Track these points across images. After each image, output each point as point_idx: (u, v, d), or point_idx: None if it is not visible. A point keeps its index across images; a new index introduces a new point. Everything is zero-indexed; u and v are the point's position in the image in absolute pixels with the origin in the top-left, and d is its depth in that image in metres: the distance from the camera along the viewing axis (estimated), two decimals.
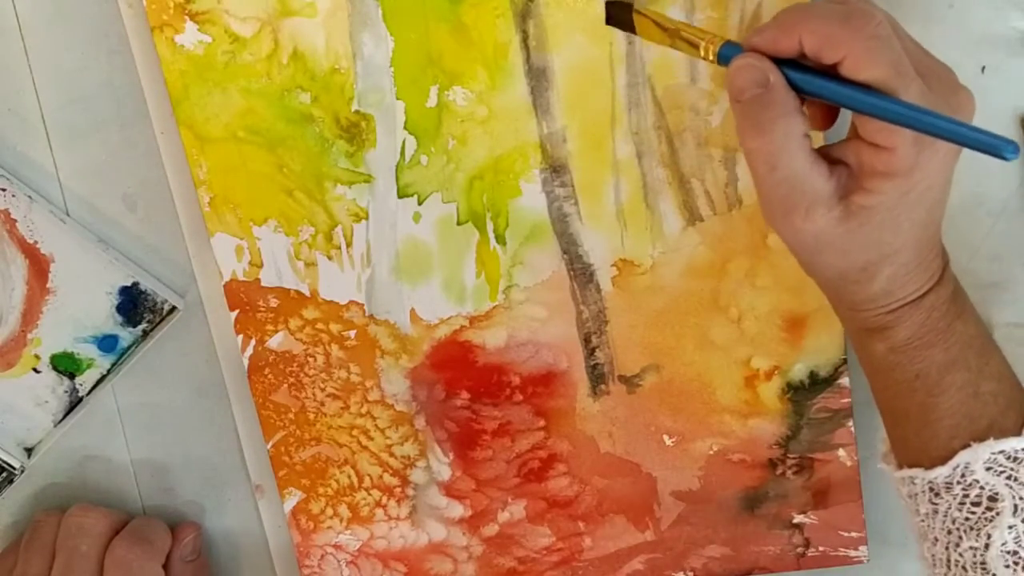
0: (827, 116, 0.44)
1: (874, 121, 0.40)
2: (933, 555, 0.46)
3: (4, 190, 0.51)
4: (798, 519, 0.57)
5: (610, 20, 0.50)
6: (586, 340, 0.54)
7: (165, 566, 0.54)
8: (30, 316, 0.53)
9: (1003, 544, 0.44)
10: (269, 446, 0.56)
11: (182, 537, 0.55)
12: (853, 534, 0.56)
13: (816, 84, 0.41)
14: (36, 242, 0.52)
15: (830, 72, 0.41)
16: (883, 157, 0.40)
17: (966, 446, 0.44)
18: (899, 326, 0.44)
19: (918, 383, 0.45)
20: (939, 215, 0.44)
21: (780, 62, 0.42)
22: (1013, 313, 0.55)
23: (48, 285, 0.53)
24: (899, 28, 0.42)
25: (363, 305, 0.54)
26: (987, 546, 0.44)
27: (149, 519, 0.55)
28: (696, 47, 0.45)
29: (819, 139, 0.46)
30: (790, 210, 0.42)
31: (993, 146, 0.38)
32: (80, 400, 0.54)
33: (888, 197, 0.41)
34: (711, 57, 0.44)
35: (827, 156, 0.42)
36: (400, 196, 0.52)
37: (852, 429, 0.55)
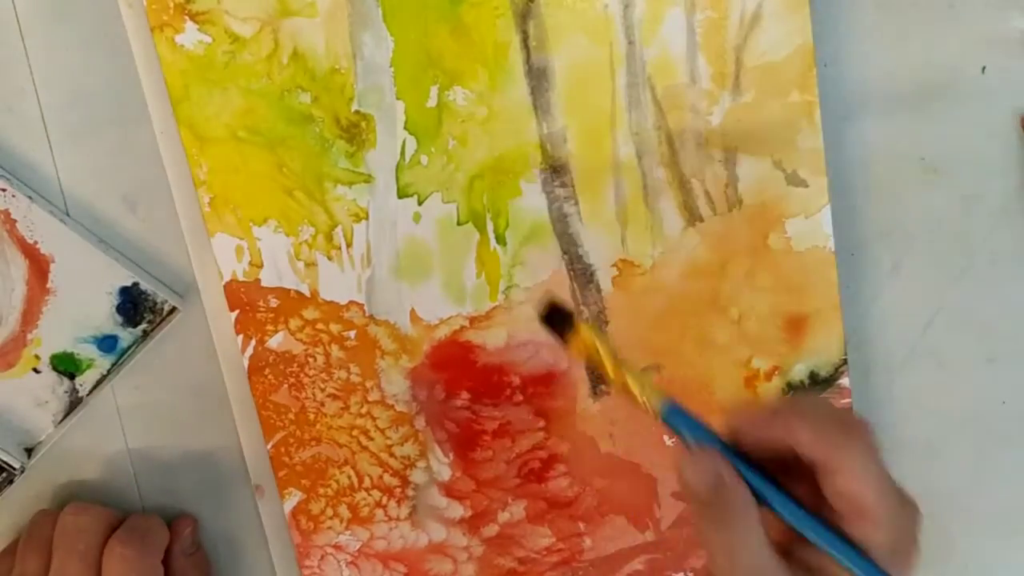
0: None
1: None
2: None
3: (4, 190, 0.51)
4: None
5: (546, 318, 0.44)
6: None
7: (165, 561, 0.54)
8: (30, 316, 0.53)
9: None
10: (269, 446, 0.56)
11: (180, 531, 0.55)
12: None
13: (769, 493, 0.40)
14: (36, 242, 0.52)
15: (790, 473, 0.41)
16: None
17: None
18: None
19: None
20: None
21: (732, 450, 0.41)
22: (1012, 314, 0.55)
23: (48, 285, 0.53)
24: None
25: (363, 305, 0.54)
26: None
27: (146, 515, 0.55)
28: (634, 393, 0.42)
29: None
30: None
31: None
32: (80, 400, 0.54)
33: None
34: (653, 413, 0.42)
35: (787, 552, 0.41)
36: (400, 196, 0.52)
37: None
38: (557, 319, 0.44)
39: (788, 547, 0.42)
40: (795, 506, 0.40)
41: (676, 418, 0.42)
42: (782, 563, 0.41)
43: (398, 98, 0.51)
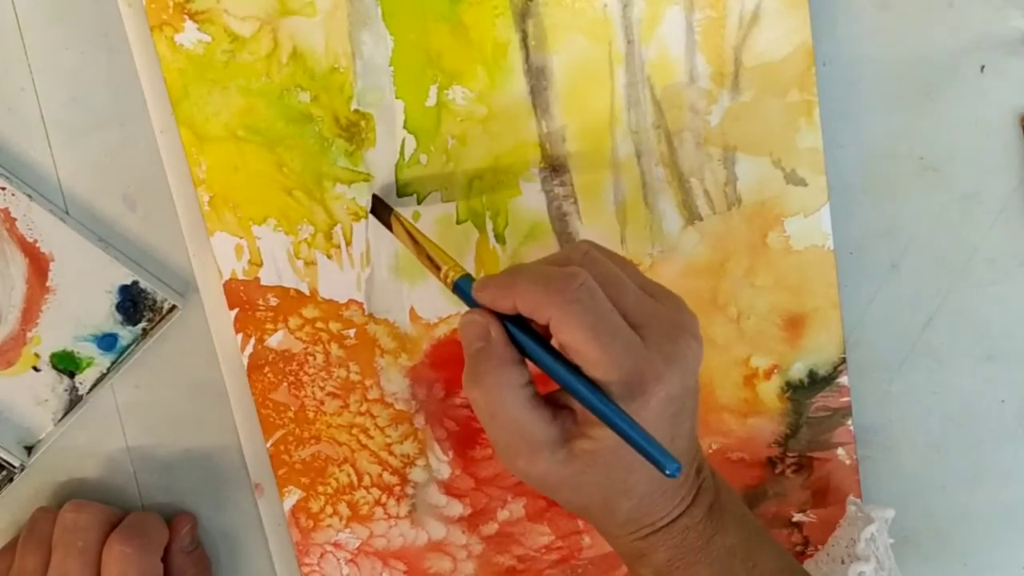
0: None
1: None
2: None
3: (3, 189, 0.51)
4: (797, 518, 0.57)
5: (373, 211, 0.52)
6: None
7: (164, 559, 0.54)
8: (30, 315, 0.53)
9: None
10: (269, 445, 0.56)
11: (179, 528, 0.55)
12: None
13: (528, 346, 0.43)
14: (36, 241, 0.52)
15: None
16: None
17: None
18: (656, 551, 0.45)
19: None
20: (675, 451, 0.43)
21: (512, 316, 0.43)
22: (1010, 312, 0.55)
23: (48, 284, 0.53)
24: (620, 279, 0.43)
25: (362, 304, 0.54)
26: None
27: (145, 513, 0.55)
28: (438, 269, 0.46)
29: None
30: (515, 454, 0.43)
31: (657, 461, 0.39)
32: (80, 399, 0.54)
33: (609, 443, 0.41)
34: (448, 284, 0.46)
35: (553, 401, 0.43)
36: (399, 195, 0.52)
37: (851, 428, 0.55)
38: (381, 212, 0.51)
39: (565, 402, 0.43)
40: (554, 360, 0.42)
41: (466, 288, 0.44)
42: (543, 415, 0.43)
43: (397, 97, 0.51)
